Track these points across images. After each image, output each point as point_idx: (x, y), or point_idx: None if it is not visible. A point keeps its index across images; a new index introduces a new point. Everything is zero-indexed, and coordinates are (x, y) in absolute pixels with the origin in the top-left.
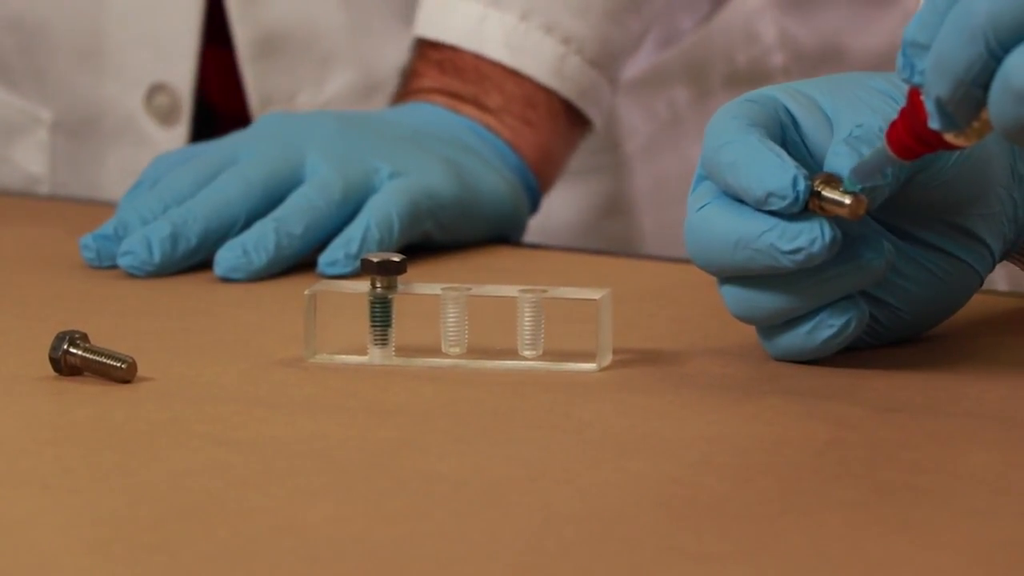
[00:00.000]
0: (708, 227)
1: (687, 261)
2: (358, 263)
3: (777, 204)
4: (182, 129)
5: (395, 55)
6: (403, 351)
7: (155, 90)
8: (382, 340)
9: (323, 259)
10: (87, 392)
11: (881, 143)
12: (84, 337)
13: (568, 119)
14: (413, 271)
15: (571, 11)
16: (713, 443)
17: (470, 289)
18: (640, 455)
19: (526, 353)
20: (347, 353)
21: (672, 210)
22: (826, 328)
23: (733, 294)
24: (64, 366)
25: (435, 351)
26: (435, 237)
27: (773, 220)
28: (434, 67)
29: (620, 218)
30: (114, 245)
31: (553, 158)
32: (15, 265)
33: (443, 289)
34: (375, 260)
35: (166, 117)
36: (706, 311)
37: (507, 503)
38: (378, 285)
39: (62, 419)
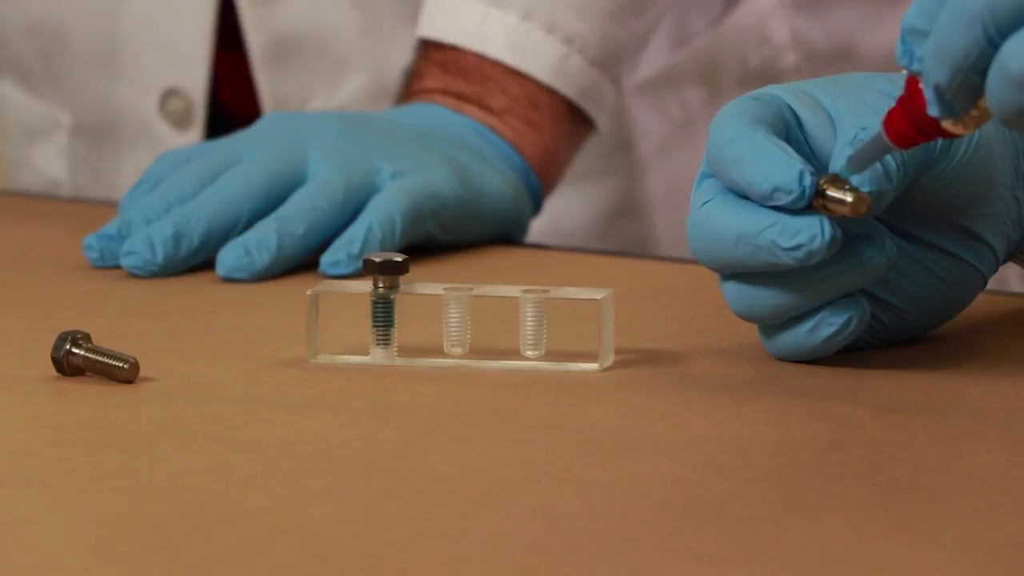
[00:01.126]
0: (710, 223)
1: (689, 261)
2: (360, 263)
3: (783, 199)
4: (196, 133)
5: (407, 59)
6: (405, 351)
7: (169, 94)
8: (384, 340)
9: (325, 259)
10: (89, 392)
11: (878, 131)
12: (86, 337)
13: (572, 120)
14: (415, 271)
15: (573, 11)
16: (715, 443)
17: (472, 289)
18: (642, 455)
19: (528, 353)
20: (349, 353)
21: (686, 211)
22: (827, 326)
23: (734, 291)
24: (66, 366)
25: (437, 351)
26: (437, 237)
27: (774, 216)
28: (437, 68)
29: (634, 219)
30: (117, 245)
31: (556, 159)
32: (18, 265)
33: (445, 289)
34: (377, 260)
35: (180, 121)
36: (708, 311)
37: (509, 503)
38: (380, 285)
39: (64, 419)
